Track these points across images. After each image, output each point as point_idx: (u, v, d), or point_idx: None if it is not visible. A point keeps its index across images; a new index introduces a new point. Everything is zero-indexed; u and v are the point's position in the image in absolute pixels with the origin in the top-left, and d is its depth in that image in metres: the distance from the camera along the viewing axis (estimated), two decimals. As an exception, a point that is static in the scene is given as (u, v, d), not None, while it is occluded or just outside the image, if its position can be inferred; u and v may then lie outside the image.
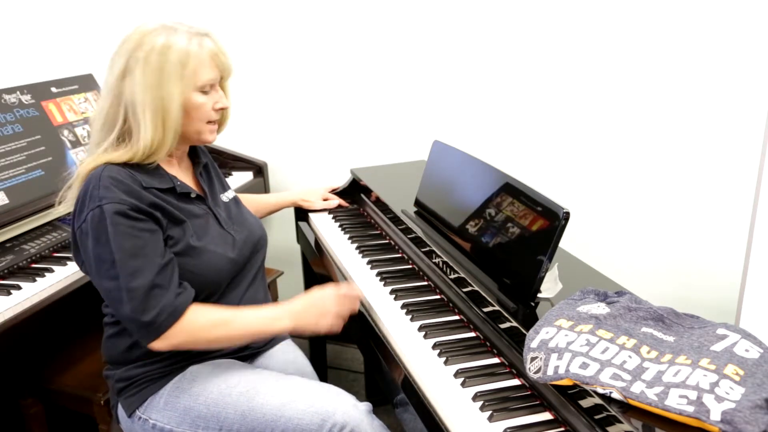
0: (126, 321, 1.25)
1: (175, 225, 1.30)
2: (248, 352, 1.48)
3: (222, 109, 1.35)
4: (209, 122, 1.34)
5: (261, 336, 1.40)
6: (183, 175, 1.40)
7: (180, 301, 1.24)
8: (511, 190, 1.41)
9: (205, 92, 1.30)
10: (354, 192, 2.10)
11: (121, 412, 1.39)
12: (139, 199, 1.24)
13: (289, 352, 1.55)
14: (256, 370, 1.40)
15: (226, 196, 1.50)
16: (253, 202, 1.82)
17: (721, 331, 1.03)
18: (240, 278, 1.41)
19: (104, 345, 1.41)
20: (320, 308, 1.36)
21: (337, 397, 1.30)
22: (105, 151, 1.27)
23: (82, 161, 1.31)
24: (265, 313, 1.33)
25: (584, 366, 1.00)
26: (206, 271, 1.32)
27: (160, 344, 1.25)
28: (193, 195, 1.37)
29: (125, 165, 1.27)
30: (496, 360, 1.26)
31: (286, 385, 1.33)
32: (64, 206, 1.34)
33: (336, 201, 2.03)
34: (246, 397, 1.31)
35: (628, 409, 0.96)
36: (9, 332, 1.44)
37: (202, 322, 1.27)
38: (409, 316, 1.40)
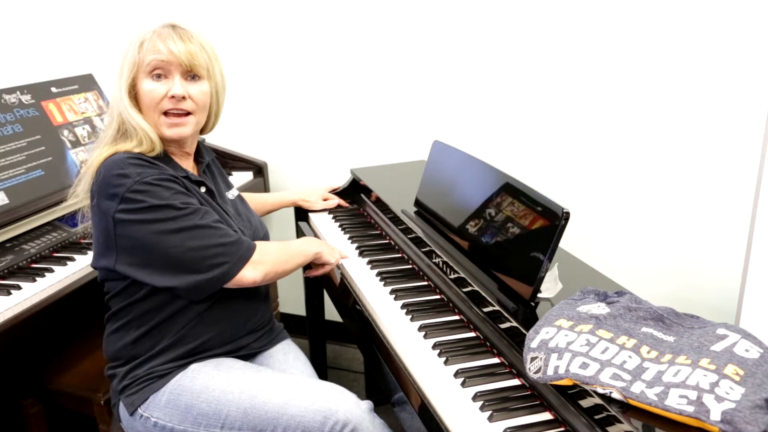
0: (209, 259, 1.28)
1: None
2: (248, 351, 1.48)
3: (173, 97, 1.30)
4: (165, 114, 1.33)
5: (305, 259, 1.52)
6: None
7: (245, 236, 1.37)
8: (511, 190, 1.41)
9: (157, 78, 1.31)
10: (354, 192, 2.10)
11: (122, 411, 1.39)
12: (164, 172, 1.29)
13: (289, 352, 1.55)
14: (257, 368, 1.40)
15: (231, 194, 1.53)
16: (252, 201, 1.82)
17: (721, 331, 1.03)
18: None
19: (106, 341, 1.41)
20: (329, 246, 1.61)
21: (339, 396, 1.30)
22: (114, 142, 1.31)
23: (89, 156, 1.35)
24: (296, 242, 1.54)
25: (584, 366, 1.00)
26: None
27: (254, 273, 1.33)
28: (203, 189, 1.40)
29: (138, 154, 1.31)
30: (496, 360, 1.26)
31: (288, 382, 1.34)
32: (75, 201, 1.36)
33: (336, 201, 2.03)
34: (248, 395, 1.31)
35: (628, 409, 0.96)
36: (9, 332, 1.44)
37: (271, 246, 1.42)
38: (409, 316, 1.41)
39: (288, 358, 1.53)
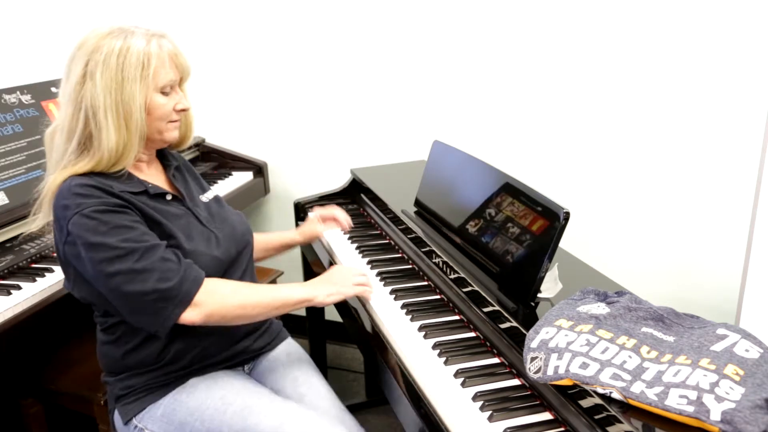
0: (148, 304, 1.21)
1: (153, 225, 1.28)
2: (248, 355, 1.47)
3: (183, 110, 1.33)
4: (170, 121, 1.33)
5: (283, 304, 1.34)
6: (154, 178, 1.38)
7: (196, 269, 1.26)
8: (511, 190, 1.41)
9: (165, 93, 1.29)
10: (354, 192, 2.10)
11: (117, 419, 1.38)
12: (114, 197, 1.23)
13: (292, 350, 1.55)
14: (254, 388, 1.38)
15: (206, 197, 1.47)
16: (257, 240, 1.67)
17: (721, 331, 1.03)
18: (228, 276, 1.39)
19: (99, 353, 1.39)
20: (334, 278, 1.42)
21: (331, 428, 1.27)
22: (69, 164, 1.25)
23: (45, 181, 1.28)
24: (282, 286, 1.37)
25: (584, 366, 1.00)
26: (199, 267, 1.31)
27: (193, 314, 1.23)
28: (168, 197, 1.35)
29: (91, 175, 1.25)
30: (496, 360, 1.26)
31: (282, 407, 1.32)
32: (40, 222, 1.31)
33: (333, 211, 1.80)
34: (240, 417, 1.30)
35: (628, 409, 0.96)
36: (9, 332, 1.44)
37: (225, 287, 1.29)
38: (409, 316, 1.41)
39: (291, 350, 1.54)
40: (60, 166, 1.26)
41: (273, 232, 1.73)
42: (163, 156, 1.45)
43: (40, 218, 1.30)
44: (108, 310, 1.31)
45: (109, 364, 1.37)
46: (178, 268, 1.23)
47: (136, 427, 1.35)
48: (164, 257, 1.23)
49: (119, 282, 1.20)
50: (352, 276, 1.44)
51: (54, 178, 1.25)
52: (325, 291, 1.38)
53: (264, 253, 1.68)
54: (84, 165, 1.24)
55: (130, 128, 1.24)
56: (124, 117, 1.23)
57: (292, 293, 1.34)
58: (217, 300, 1.26)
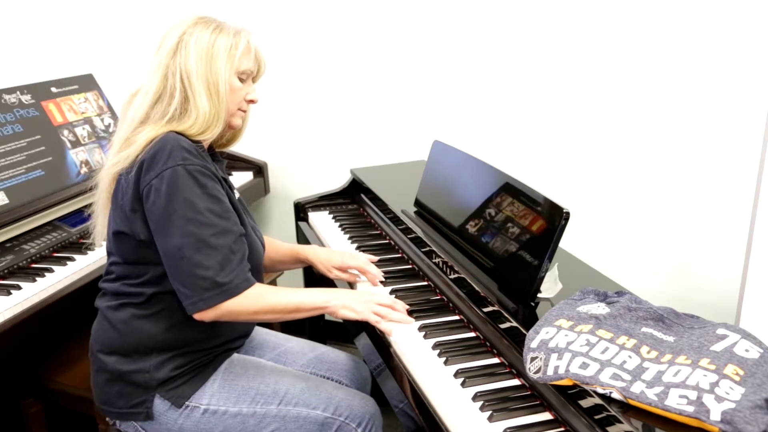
0: (197, 279, 1.21)
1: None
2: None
3: (252, 101, 1.40)
4: (239, 109, 1.39)
5: (297, 308, 1.34)
6: None
7: (250, 275, 1.29)
8: (511, 190, 1.41)
9: (242, 80, 1.36)
10: (354, 192, 2.10)
11: (159, 406, 1.32)
12: (209, 167, 1.28)
13: (305, 344, 1.61)
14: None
15: (236, 193, 1.49)
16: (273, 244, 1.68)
17: (721, 331, 1.03)
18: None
19: (124, 330, 1.32)
20: (355, 295, 1.39)
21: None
22: (168, 121, 1.29)
23: (135, 131, 1.29)
24: (299, 291, 1.37)
25: (584, 366, 1.00)
26: (255, 255, 1.37)
27: (214, 311, 1.24)
28: (224, 183, 1.38)
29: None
30: (496, 360, 1.26)
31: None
32: (131, 157, 1.27)
33: (360, 267, 1.59)
34: (303, 377, 1.42)
35: (628, 409, 0.96)
36: (9, 332, 1.44)
37: (252, 289, 1.28)
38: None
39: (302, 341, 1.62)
40: (148, 122, 1.30)
41: (287, 244, 1.68)
42: (211, 148, 1.46)
43: (122, 160, 1.27)
44: (147, 276, 1.30)
45: (140, 342, 1.31)
46: (239, 264, 1.26)
47: (187, 407, 1.32)
48: (233, 249, 1.25)
49: (187, 243, 1.21)
50: (375, 300, 1.38)
51: (148, 130, 1.27)
52: (341, 302, 1.35)
53: (280, 266, 1.69)
54: (180, 124, 1.29)
55: (219, 98, 1.31)
56: (213, 86, 1.30)
57: (310, 299, 1.34)
58: (240, 302, 1.26)
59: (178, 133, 1.27)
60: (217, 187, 1.28)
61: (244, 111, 1.41)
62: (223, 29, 1.33)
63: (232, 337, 1.42)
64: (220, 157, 1.47)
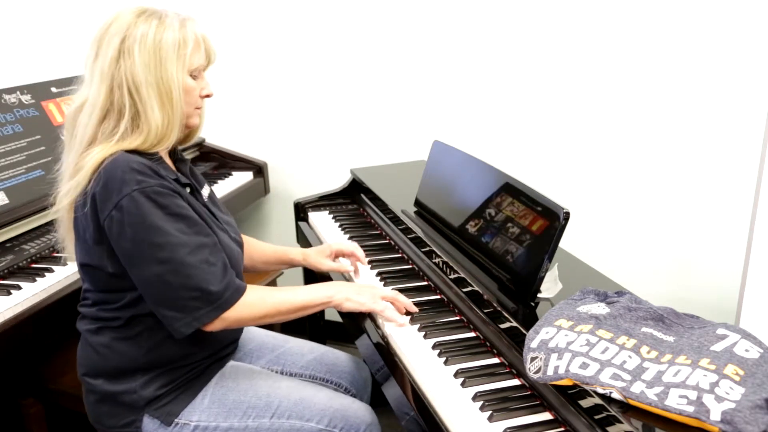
0: (185, 300, 1.18)
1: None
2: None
3: (208, 96, 1.32)
4: (196, 108, 1.31)
5: (302, 307, 1.33)
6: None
7: (238, 280, 1.25)
8: (511, 190, 1.41)
9: (194, 77, 1.27)
10: (354, 192, 2.10)
11: (148, 425, 1.30)
12: (166, 181, 1.21)
13: (304, 345, 1.59)
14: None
15: (205, 192, 1.44)
16: (250, 246, 1.63)
17: (721, 331, 1.03)
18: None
19: (106, 354, 1.29)
20: (358, 288, 1.38)
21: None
22: (118, 140, 1.20)
23: (83, 155, 1.21)
24: (302, 289, 1.35)
25: (584, 366, 1.00)
26: (231, 259, 1.29)
27: (219, 322, 1.22)
28: (188, 190, 1.32)
29: (137, 154, 1.22)
30: (496, 360, 1.26)
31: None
32: (73, 193, 1.23)
33: (354, 249, 1.64)
34: (296, 389, 1.37)
35: (628, 409, 0.96)
36: (9, 332, 1.44)
37: (252, 294, 1.26)
38: (409, 316, 1.40)
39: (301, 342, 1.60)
40: (106, 143, 1.20)
41: (275, 246, 1.67)
42: (173, 148, 1.40)
43: (73, 189, 1.22)
44: (124, 301, 1.25)
45: (123, 364, 1.29)
46: (223, 273, 1.22)
47: (177, 424, 1.30)
48: (211, 261, 1.20)
49: (164, 270, 1.17)
50: (379, 292, 1.38)
51: (100, 150, 1.19)
52: (344, 295, 1.35)
53: (263, 266, 1.64)
54: (131, 141, 1.21)
55: (173, 106, 1.22)
56: (166, 94, 1.21)
57: (315, 296, 1.33)
58: (243, 310, 1.24)
59: (129, 151, 1.20)
60: (178, 202, 1.21)
61: (200, 107, 1.32)
62: (165, 22, 1.22)
63: (220, 346, 1.37)
64: (181, 155, 1.41)
